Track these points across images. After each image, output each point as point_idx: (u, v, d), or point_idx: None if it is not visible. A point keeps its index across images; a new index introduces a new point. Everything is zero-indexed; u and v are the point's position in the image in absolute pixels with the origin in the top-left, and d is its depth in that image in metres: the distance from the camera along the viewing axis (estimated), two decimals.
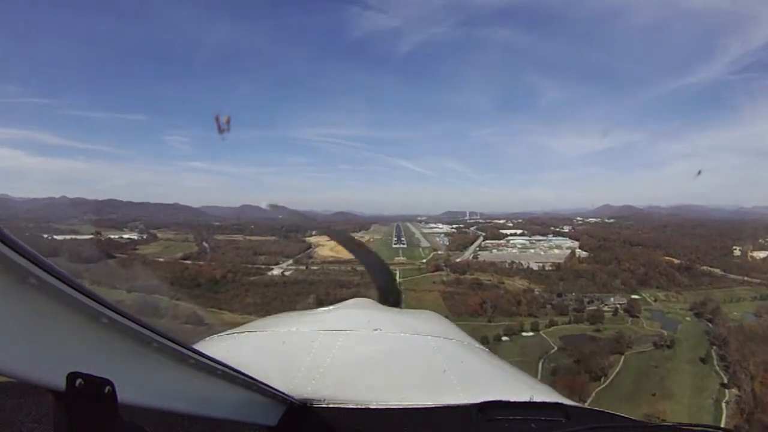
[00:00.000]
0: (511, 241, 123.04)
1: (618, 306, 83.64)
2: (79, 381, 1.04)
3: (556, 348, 68.60)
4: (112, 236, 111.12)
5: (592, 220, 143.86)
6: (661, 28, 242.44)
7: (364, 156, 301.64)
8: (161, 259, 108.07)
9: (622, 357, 66.22)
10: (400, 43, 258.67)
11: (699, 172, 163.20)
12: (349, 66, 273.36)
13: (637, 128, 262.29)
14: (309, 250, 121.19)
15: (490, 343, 64.36)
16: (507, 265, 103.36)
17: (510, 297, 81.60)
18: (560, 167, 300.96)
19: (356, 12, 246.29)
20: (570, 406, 2.45)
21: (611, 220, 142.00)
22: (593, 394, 55.62)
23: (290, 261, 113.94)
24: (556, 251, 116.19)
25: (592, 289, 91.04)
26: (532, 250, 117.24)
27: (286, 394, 2.30)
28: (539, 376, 57.29)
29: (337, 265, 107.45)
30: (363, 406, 2.51)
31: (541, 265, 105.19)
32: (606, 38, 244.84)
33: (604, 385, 59.51)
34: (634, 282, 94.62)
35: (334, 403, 2.52)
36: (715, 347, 67.98)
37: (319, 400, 2.53)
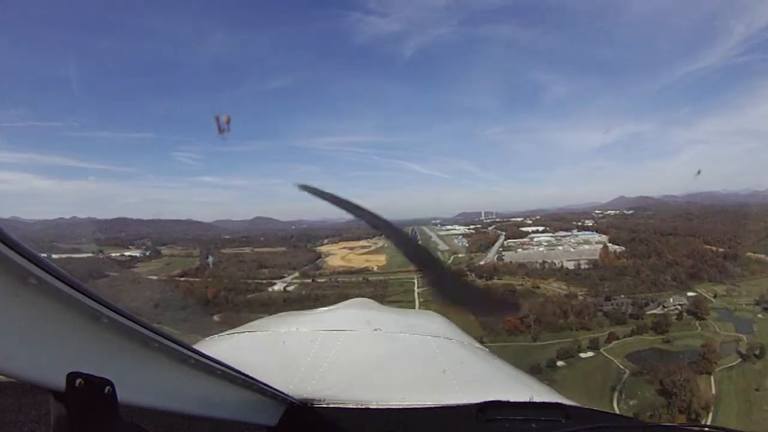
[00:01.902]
0: (535, 239, 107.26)
1: (679, 307, 66.12)
2: (79, 381, 1.00)
3: (627, 372, 51.48)
4: (113, 254, 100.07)
5: (612, 212, 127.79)
6: (665, 14, 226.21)
7: (374, 162, 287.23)
8: (154, 277, 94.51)
9: (712, 378, 49.27)
10: (403, 46, 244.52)
11: (699, 172, 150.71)
12: (354, 72, 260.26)
13: (646, 118, 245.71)
14: (318, 261, 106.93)
15: (542, 371, 47.26)
16: (538, 266, 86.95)
17: (553, 306, 64.09)
18: (570, 161, 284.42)
19: (358, 18, 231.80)
20: (570, 406, 2.35)
21: (630, 212, 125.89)
22: None
23: (296, 273, 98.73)
24: (586, 247, 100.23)
25: (641, 288, 74.48)
26: (560, 247, 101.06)
27: (286, 394, 2.22)
28: None
29: (347, 276, 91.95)
30: (363, 406, 2.41)
31: (575, 263, 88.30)
32: (610, 29, 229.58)
33: None
34: (684, 276, 77.74)
35: (334, 403, 2.42)
36: None
37: (319, 400, 2.43)
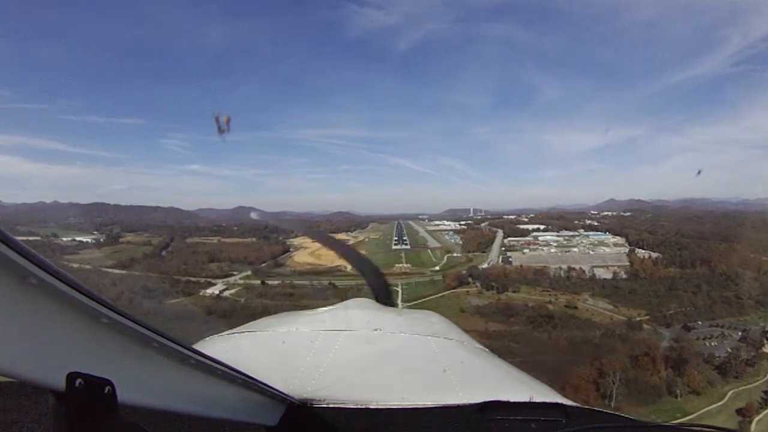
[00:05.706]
0: (540, 238, 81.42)
1: None
2: (79, 381, 0.95)
3: None
4: (64, 239, 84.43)
5: (608, 213, 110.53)
6: (662, 21, 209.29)
7: (363, 156, 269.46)
8: (76, 265, 70.98)
9: None
10: (398, 40, 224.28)
11: (699, 172, 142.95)
12: (348, 65, 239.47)
13: (639, 123, 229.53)
14: (283, 256, 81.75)
15: None
16: (562, 274, 59.75)
17: (627, 345, 36.46)
18: (561, 163, 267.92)
19: (354, 9, 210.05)
20: (570, 406, 2.25)
21: (627, 213, 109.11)
22: None
23: (248, 272, 71.65)
24: (606, 250, 76.43)
25: (719, 311, 48.74)
26: (575, 249, 75.91)
27: (286, 394, 2.13)
28: None
29: (308, 277, 64.33)
30: (363, 406, 2.29)
31: (606, 270, 62.38)
32: (606, 33, 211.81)
33: None
34: (757, 293, 54.22)
35: (334, 403, 2.30)
36: None
37: (319, 400, 2.31)
